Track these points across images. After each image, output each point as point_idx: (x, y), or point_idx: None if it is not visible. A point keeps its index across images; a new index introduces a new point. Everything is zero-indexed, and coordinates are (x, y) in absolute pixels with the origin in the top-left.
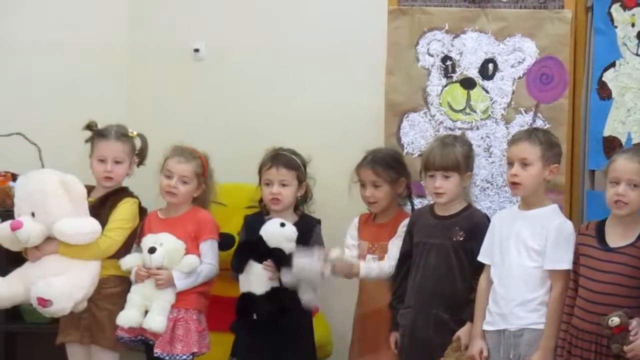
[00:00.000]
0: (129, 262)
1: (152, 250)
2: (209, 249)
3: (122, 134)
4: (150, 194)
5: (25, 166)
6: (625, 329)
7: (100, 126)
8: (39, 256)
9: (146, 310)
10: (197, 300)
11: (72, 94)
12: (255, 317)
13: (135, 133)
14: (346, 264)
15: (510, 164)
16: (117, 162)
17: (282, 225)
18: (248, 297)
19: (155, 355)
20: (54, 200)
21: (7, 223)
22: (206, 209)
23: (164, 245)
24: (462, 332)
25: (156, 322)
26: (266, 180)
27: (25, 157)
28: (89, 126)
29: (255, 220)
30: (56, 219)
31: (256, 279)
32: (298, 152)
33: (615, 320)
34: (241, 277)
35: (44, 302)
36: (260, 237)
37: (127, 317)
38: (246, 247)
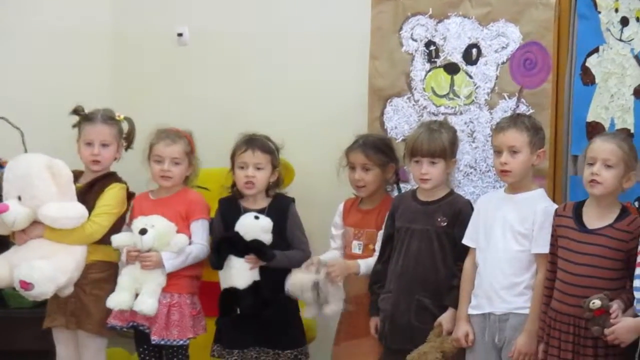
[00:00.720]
0: (120, 240)
1: (143, 231)
2: (199, 228)
3: (109, 117)
4: (137, 178)
5: (8, 150)
6: (606, 311)
7: (87, 110)
8: (25, 240)
9: (137, 293)
10: (189, 284)
11: (55, 78)
12: (239, 311)
13: (122, 116)
14: (342, 265)
15: (498, 152)
16: (104, 145)
17: (256, 218)
18: (231, 292)
19: (153, 342)
20: (40, 184)
21: None
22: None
23: (155, 226)
24: (443, 318)
25: (147, 304)
26: (240, 163)
27: (9, 141)
28: (76, 111)
29: (229, 203)
30: (42, 202)
31: (237, 273)
32: (271, 138)
33: (596, 302)
34: (221, 272)
35: (26, 285)
36: (237, 233)
37: (117, 300)
38: (224, 243)
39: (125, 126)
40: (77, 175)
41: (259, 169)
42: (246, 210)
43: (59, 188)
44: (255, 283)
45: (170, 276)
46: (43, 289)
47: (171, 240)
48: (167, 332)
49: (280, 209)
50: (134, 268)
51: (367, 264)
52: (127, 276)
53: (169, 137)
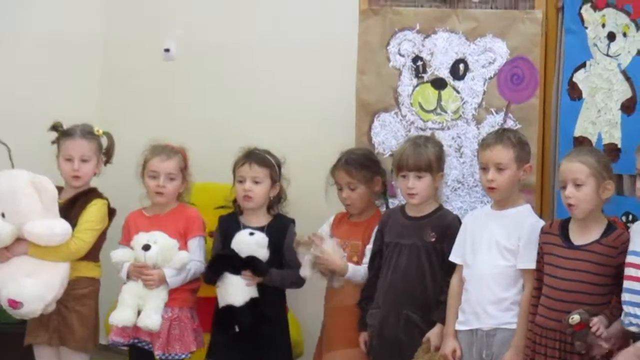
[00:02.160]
0: (120, 256)
1: (146, 247)
2: (197, 246)
3: (88, 132)
4: (118, 193)
5: None
6: (586, 326)
7: (67, 126)
8: (8, 257)
9: (139, 310)
10: (189, 298)
11: (42, 93)
12: (237, 329)
13: (101, 131)
14: (331, 263)
15: (485, 168)
16: (83, 161)
17: (251, 234)
18: (228, 310)
19: (157, 356)
20: (25, 200)
21: None
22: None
23: (158, 243)
24: (432, 334)
25: (151, 319)
26: (239, 177)
27: None
28: (55, 127)
29: (230, 220)
30: (27, 219)
31: (234, 290)
32: (273, 153)
33: (575, 317)
34: (218, 291)
35: (15, 303)
36: (232, 250)
37: (120, 317)
38: (219, 260)
39: (104, 141)
40: (57, 190)
41: (256, 182)
42: (245, 227)
43: (43, 204)
44: (252, 300)
45: (171, 290)
46: (32, 307)
47: (173, 257)
48: (170, 347)
49: (279, 228)
50: (135, 285)
51: (355, 270)
52: (129, 293)
53: (164, 153)
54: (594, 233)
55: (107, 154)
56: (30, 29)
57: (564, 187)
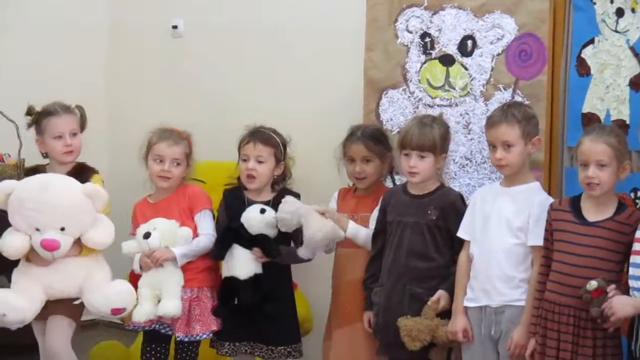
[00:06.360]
0: (129, 247)
1: (147, 235)
2: (204, 219)
3: (67, 108)
4: (127, 174)
5: (3, 143)
6: (604, 292)
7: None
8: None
9: (158, 300)
10: (208, 277)
11: (50, 71)
12: (237, 302)
13: (74, 105)
14: (333, 215)
15: (493, 146)
16: (74, 135)
17: (263, 211)
18: (231, 281)
19: (178, 339)
20: (86, 216)
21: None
22: None
23: (157, 228)
24: (442, 295)
25: (170, 307)
26: (243, 155)
27: (3, 134)
28: (29, 111)
29: (234, 195)
30: (85, 229)
31: (240, 263)
32: (279, 132)
33: (593, 283)
34: (224, 261)
35: (118, 311)
36: (242, 224)
37: (141, 312)
38: (229, 234)
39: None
40: (41, 170)
41: (260, 162)
42: (250, 202)
43: (97, 210)
44: (256, 276)
45: (189, 271)
46: (132, 305)
47: (175, 237)
48: (190, 328)
49: None
50: (149, 277)
51: (357, 228)
52: (145, 287)
53: (172, 138)
54: (607, 210)
55: (82, 125)
56: (37, 15)
57: (585, 166)
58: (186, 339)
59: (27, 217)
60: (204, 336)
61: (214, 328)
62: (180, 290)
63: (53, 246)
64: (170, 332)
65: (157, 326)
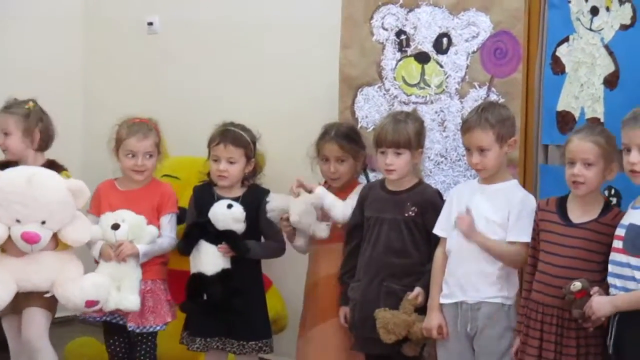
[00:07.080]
0: (95, 232)
1: (115, 226)
2: (169, 222)
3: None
4: (103, 168)
5: None
6: (587, 294)
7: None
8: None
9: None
10: (161, 270)
11: (25, 65)
12: (205, 297)
13: (31, 103)
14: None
15: (469, 150)
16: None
17: (230, 206)
18: (199, 277)
19: (130, 329)
20: (67, 210)
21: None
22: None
23: (126, 221)
24: (420, 291)
25: (130, 301)
26: (214, 156)
27: None
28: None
29: (204, 191)
30: (65, 224)
31: (207, 259)
32: (248, 128)
33: (577, 284)
34: (192, 257)
35: (92, 303)
36: (208, 220)
37: (110, 302)
38: (195, 229)
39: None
40: (12, 165)
41: (231, 162)
42: (220, 198)
43: (78, 207)
44: (224, 271)
45: (144, 264)
46: (103, 302)
47: (142, 233)
48: (143, 319)
49: (254, 199)
50: (109, 266)
51: (334, 200)
52: (106, 277)
53: (141, 131)
54: (592, 212)
55: (35, 123)
56: (10, 5)
57: (572, 164)
58: (138, 330)
59: (9, 208)
60: (158, 328)
61: (169, 320)
62: (139, 286)
63: (34, 239)
64: (122, 322)
65: (109, 317)
